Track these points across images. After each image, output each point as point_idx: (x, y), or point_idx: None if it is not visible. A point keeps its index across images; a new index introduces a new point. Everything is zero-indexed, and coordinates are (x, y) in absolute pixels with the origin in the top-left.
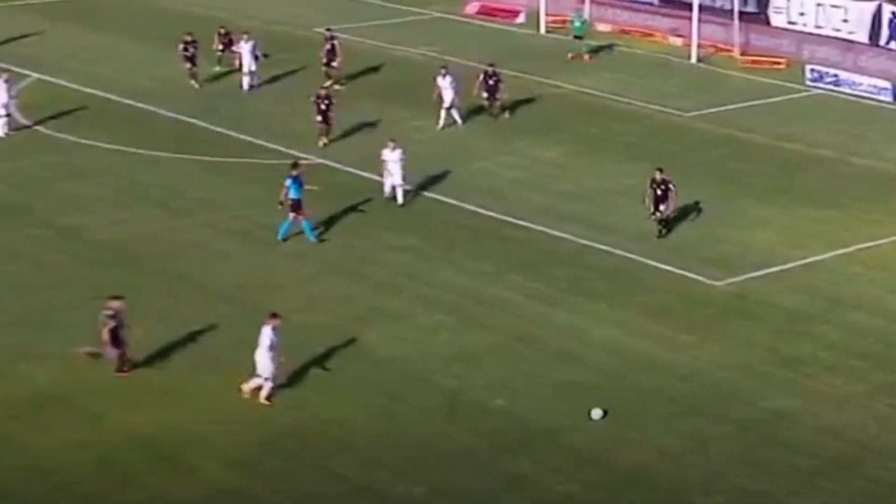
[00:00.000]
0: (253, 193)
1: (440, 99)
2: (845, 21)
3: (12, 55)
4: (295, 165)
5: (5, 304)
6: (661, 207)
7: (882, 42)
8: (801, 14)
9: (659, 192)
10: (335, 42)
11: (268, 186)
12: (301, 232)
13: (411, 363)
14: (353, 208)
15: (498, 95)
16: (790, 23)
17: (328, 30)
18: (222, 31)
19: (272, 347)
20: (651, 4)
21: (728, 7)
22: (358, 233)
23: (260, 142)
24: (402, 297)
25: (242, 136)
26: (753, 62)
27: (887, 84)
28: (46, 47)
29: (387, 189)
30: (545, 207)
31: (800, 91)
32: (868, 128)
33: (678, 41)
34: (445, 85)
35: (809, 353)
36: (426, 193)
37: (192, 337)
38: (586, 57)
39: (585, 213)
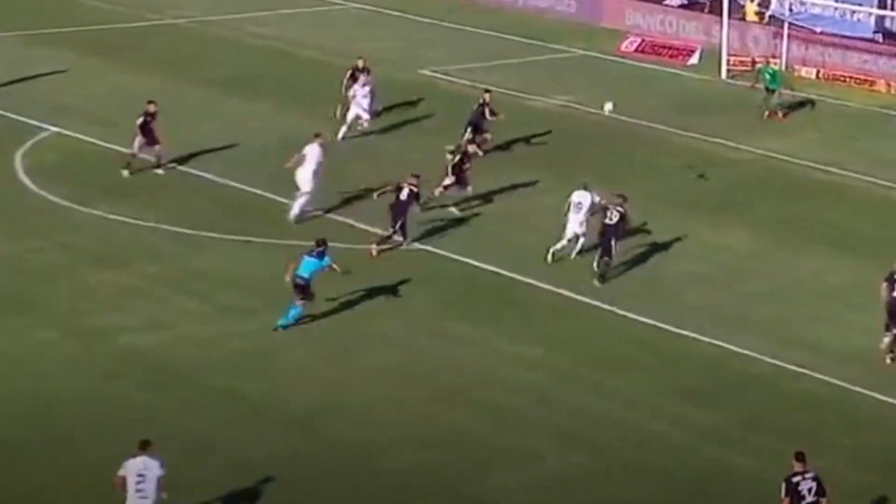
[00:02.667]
0: (337, 287)
1: None
2: None
3: (27, 99)
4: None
5: None
6: None
7: None
8: None
9: None
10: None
11: (356, 278)
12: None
13: None
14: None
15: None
16: None
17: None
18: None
19: None
20: (871, 41)
21: None
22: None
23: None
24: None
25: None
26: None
27: None
28: (70, 89)
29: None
30: (726, 313)
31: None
32: None
33: None
34: None
35: None
36: (566, 292)
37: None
38: (780, 115)
39: (779, 322)
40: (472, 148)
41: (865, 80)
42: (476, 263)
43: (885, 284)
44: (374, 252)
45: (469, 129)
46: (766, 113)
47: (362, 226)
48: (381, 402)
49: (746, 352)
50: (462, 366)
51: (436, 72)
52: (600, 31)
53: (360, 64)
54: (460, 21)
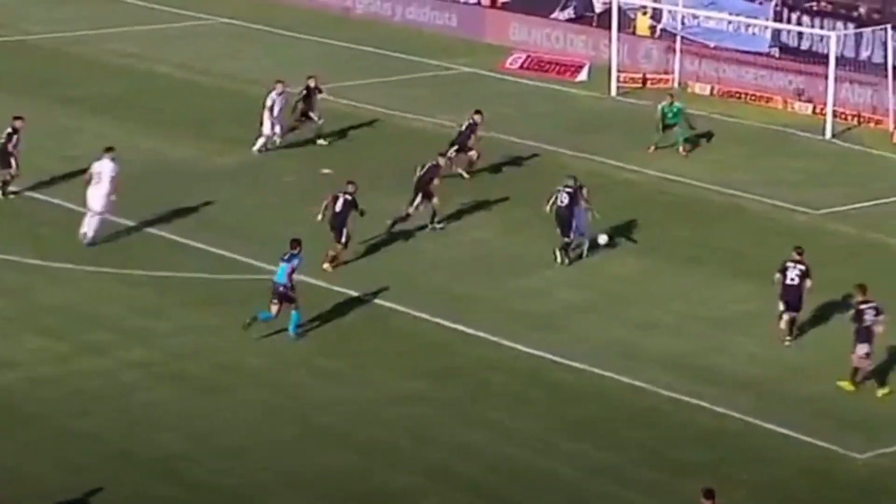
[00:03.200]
0: (204, 319)
1: None
2: None
3: None
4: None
5: None
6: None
7: None
8: None
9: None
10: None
11: (229, 310)
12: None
13: None
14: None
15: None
16: None
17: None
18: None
19: None
20: (768, 56)
21: (879, 60)
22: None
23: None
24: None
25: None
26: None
27: None
28: None
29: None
30: (617, 344)
31: None
32: None
33: (806, 108)
34: None
35: None
36: (442, 321)
37: None
38: (682, 151)
39: (674, 352)
40: (442, 161)
41: (761, 97)
42: (352, 293)
43: (778, 275)
44: (329, 268)
45: (454, 148)
46: (651, 148)
47: (228, 254)
48: (249, 443)
49: (640, 384)
50: (336, 402)
51: None
52: (483, 47)
53: (313, 83)
54: (334, 36)
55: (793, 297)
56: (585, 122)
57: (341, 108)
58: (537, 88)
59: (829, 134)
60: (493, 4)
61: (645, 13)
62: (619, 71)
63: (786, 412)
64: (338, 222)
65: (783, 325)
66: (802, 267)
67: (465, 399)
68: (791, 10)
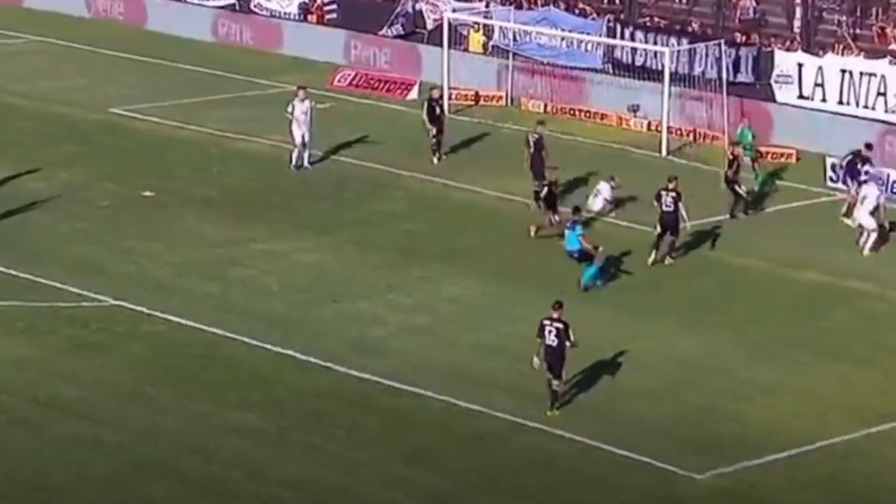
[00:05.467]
0: (16, 349)
1: None
2: (882, 95)
3: None
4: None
5: None
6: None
7: None
8: (818, 85)
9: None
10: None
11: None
12: None
13: None
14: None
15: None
16: (802, 97)
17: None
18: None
19: None
20: (597, 71)
21: (713, 76)
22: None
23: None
24: None
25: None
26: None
27: None
28: None
29: None
30: (452, 367)
31: (819, 194)
32: None
33: (641, 125)
34: None
35: None
36: (271, 347)
37: None
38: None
39: (509, 375)
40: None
41: (596, 114)
42: (177, 319)
43: (654, 203)
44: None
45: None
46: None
47: (42, 280)
48: (65, 478)
49: (476, 407)
50: (160, 433)
51: (129, 111)
52: (310, 64)
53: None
54: (156, 55)
55: (670, 221)
56: (419, 141)
57: (165, 129)
58: (367, 107)
59: (664, 151)
60: (321, 21)
61: (477, 30)
62: (451, 88)
63: (624, 434)
64: None
65: (664, 246)
66: (674, 194)
67: (298, 429)
68: (624, 25)
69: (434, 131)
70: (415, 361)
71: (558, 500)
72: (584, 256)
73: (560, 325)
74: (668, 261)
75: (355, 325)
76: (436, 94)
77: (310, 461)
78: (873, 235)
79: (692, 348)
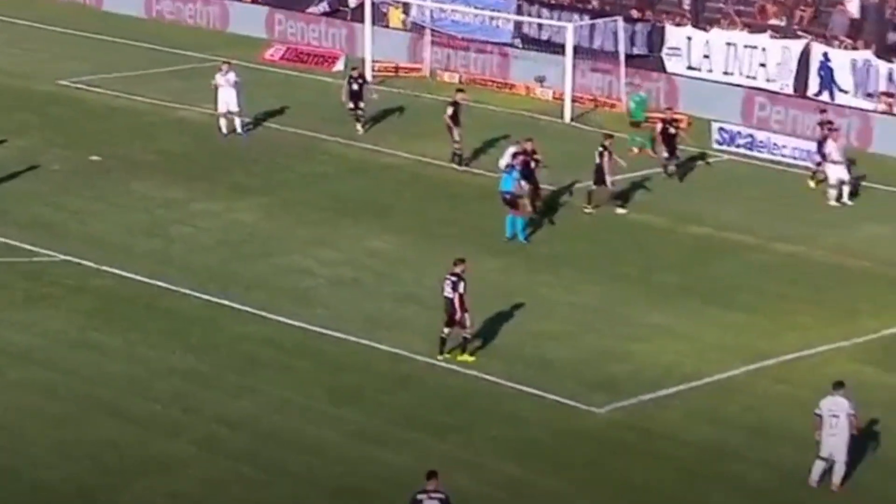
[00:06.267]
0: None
1: None
2: (763, 66)
3: None
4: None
5: None
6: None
7: (811, 93)
8: (706, 57)
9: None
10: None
11: None
12: None
13: None
14: None
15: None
16: (691, 68)
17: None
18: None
19: None
20: (511, 46)
21: (611, 49)
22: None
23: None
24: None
25: None
26: (646, 120)
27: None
28: None
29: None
30: (377, 316)
31: (705, 158)
32: (793, 203)
33: (546, 94)
34: None
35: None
36: (209, 297)
37: None
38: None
39: (430, 323)
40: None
41: (505, 84)
42: (120, 272)
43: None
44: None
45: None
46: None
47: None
48: (20, 419)
49: (398, 351)
50: (108, 377)
51: (76, 83)
52: (244, 40)
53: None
54: (94, 29)
55: (599, 175)
56: (342, 110)
57: (110, 99)
58: (298, 79)
59: (568, 118)
60: (255, 0)
61: (397, 7)
62: (373, 61)
63: (533, 375)
64: None
65: (601, 196)
66: (601, 148)
67: (234, 371)
68: (531, 3)
69: (351, 105)
70: (341, 310)
71: (474, 434)
72: (513, 201)
73: (454, 279)
74: (619, 210)
75: (287, 277)
76: (355, 73)
77: (245, 401)
78: (847, 188)
79: (595, 296)
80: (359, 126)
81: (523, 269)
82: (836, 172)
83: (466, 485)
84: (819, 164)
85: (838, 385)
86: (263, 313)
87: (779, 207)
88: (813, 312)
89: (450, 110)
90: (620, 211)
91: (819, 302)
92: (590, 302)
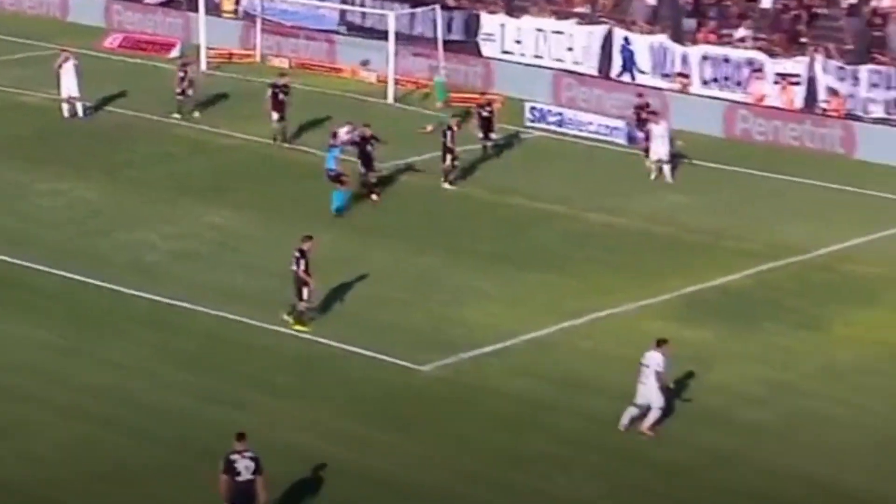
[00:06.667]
0: None
1: None
2: (570, 50)
3: None
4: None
5: None
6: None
7: (614, 74)
8: (518, 42)
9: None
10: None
11: None
12: None
13: None
14: None
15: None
16: (505, 52)
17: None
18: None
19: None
20: (335, 33)
21: (430, 35)
22: None
23: None
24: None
25: None
26: (462, 100)
27: (621, 123)
28: None
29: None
30: (219, 286)
31: (519, 134)
32: (601, 176)
33: (370, 77)
34: None
35: (540, 450)
36: (61, 273)
37: None
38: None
39: (267, 292)
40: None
41: (332, 68)
42: None
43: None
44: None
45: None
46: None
47: None
48: None
49: (242, 319)
50: None
51: None
52: (85, 29)
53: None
54: None
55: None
56: (170, 95)
57: None
58: (137, 66)
59: (391, 98)
60: None
61: None
62: (208, 48)
63: (366, 338)
64: None
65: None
66: (450, 131)
67: (85, 342)
68: None
69: (178, 91)
70: (186, 281)
71: (315, 394)
72: (337, 178)
73: (297, 254)
74: (445, 186)
75: (131, 252)
76: (182, 62)
77: (95, 370)
78: (667, 167)
79: (423, 264)
80: (195, 111)
81: (356, 242)
82: (657, 152)
83: (309, 442)
84: (645, 146)
85: (661, 342)
86: (112, 286)
87: (588, 180)
88: (621, 275)
89: (269, 92)
90: (447, 186)
91: (627, 265)
92: (418, 269)
